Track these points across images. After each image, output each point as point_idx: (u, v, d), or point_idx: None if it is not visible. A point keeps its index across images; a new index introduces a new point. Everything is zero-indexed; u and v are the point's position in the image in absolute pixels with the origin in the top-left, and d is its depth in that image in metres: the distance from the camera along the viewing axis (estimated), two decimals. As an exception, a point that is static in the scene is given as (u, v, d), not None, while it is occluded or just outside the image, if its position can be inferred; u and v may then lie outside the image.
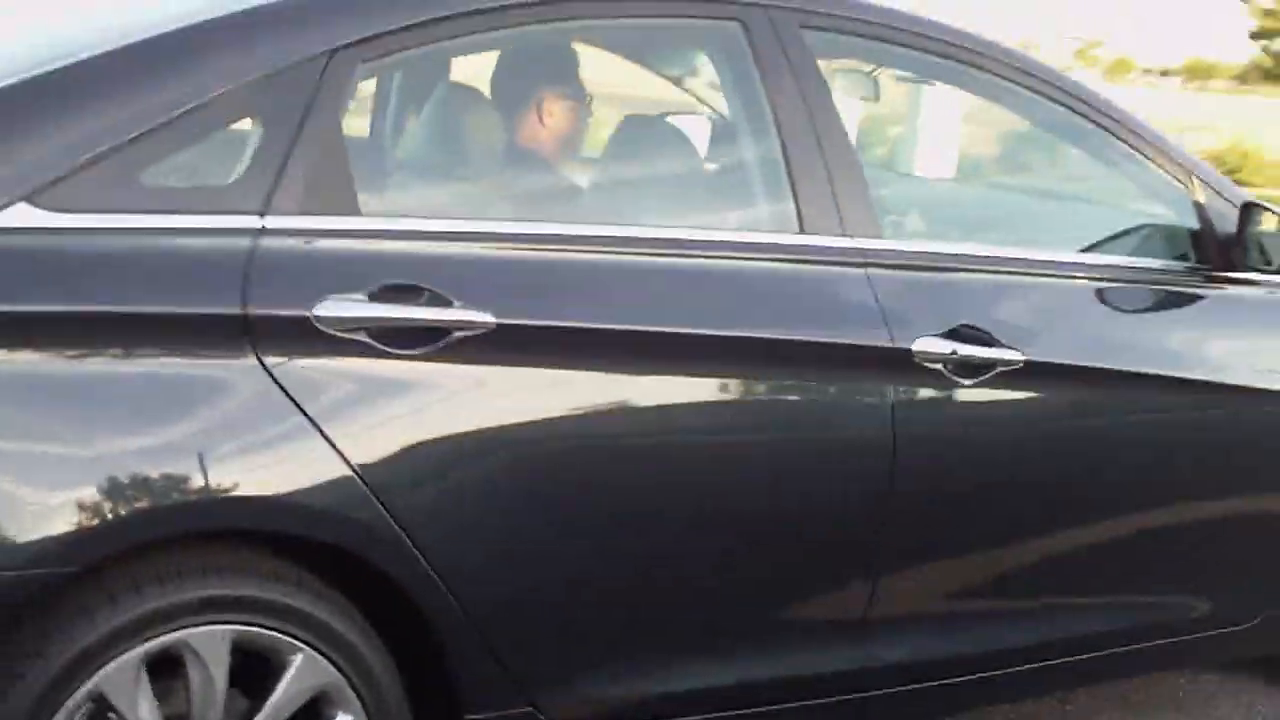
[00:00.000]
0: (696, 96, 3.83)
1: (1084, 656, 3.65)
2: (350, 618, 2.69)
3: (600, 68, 3.54)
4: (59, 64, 2.60)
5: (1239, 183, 13.10)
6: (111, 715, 2.51)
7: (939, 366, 3.22)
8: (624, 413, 2.92)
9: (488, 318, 2.72)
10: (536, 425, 2.80)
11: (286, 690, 2.65)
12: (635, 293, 2.94)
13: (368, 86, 2.90)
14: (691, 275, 3.02)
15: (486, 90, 3.42)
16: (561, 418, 2.84)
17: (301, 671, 2.65)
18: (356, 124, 2.82)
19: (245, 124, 2.67)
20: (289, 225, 2.63)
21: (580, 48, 3.47)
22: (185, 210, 2.58)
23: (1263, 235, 3.70)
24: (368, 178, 2.80)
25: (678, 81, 3.81)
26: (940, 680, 3.43)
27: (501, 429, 2.75)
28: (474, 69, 3.35)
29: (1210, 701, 4.24)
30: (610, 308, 2.89)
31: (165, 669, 2.56)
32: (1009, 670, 3.53)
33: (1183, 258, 3.77)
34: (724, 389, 3.04)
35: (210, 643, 2.56)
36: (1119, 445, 3.57)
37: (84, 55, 2.62)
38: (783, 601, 3.20)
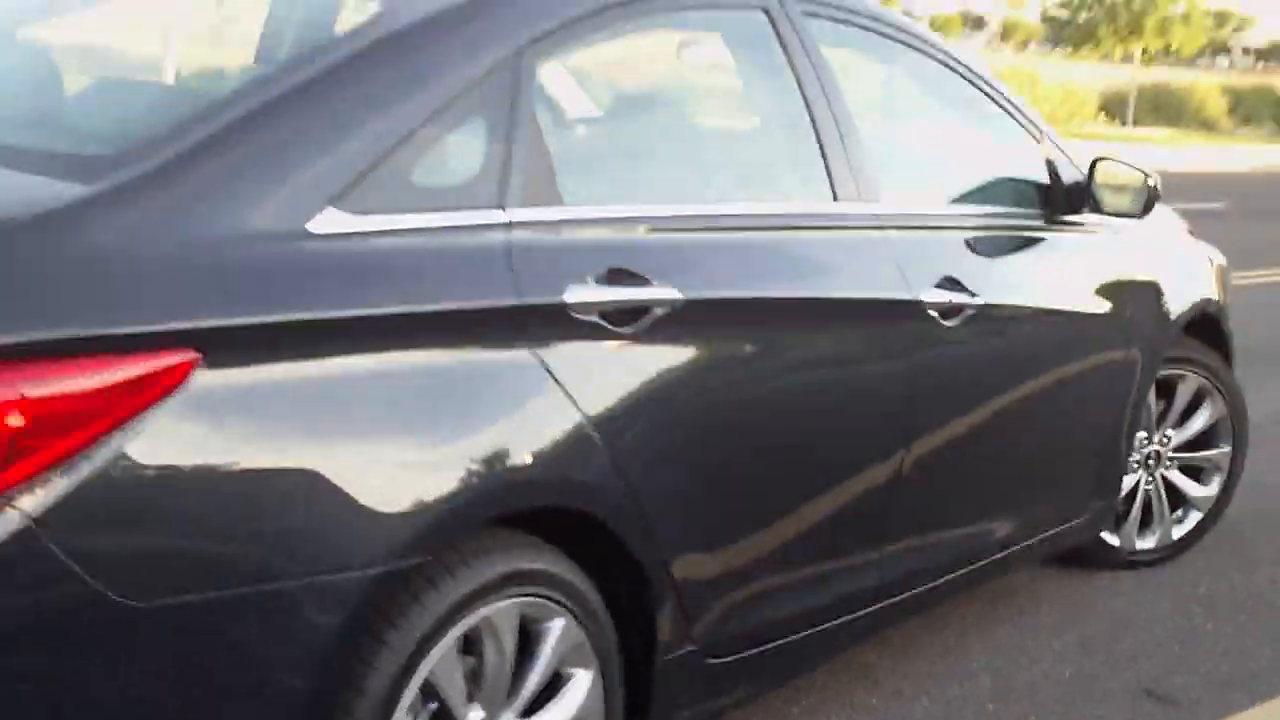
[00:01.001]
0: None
1: (996, 558, 4.24)
2: (588, 581, 2.89)
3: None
4: (313, 68, 2.65)
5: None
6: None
7: (935, 313, 3.68)
8: (774, 365, 3.28)
9: (677, 294, 2.96)
10: (714, 387, 3.08)
11: (552, 652, 2.82)
12: (762, 263, 3.26)
13: (552, 78, 3.04)
14: (795, 246, 3.37)
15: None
16: (733, 379, 3.13)
17: (564, 634, 2.83)
18: (542, 117, 2.96)
19: (471, 124, 2.79)
20: (523, 218, 2.79)
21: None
22: (446, 208, 2.69)
23: (1097, 186, 4.35)
24: (562, 168, 2.96)
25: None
26: (916, 589, 3.92)
27: (691, 393, 3.02)
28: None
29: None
30: (757, 279, 3.21)
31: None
32: (959, 573, 4.07)
33: (1027, 203, 4.34)
34: (843, 340, 3.45)
35: (506, 616, 2.71)
36: (1021, 366, 4.15)
37: (334, 57, 2.68)
38: (866, 524, 3.61)
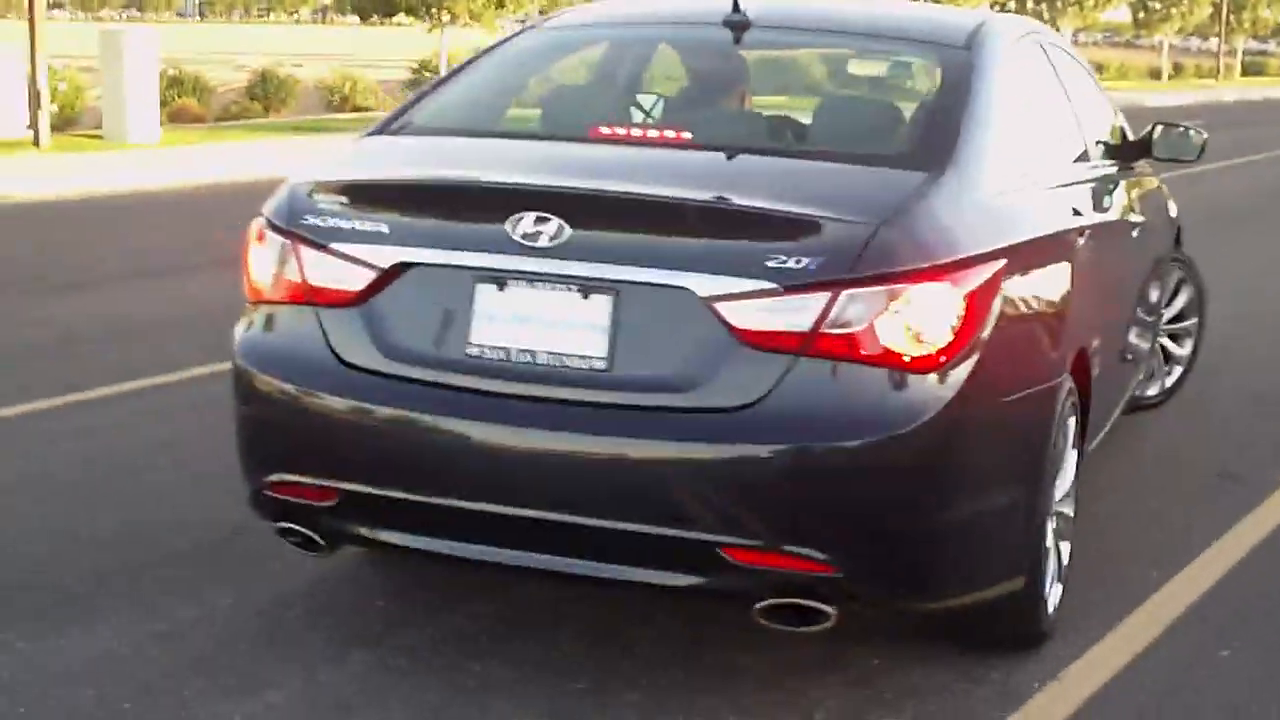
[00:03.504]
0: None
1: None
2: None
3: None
4: None
5: (354, 106, 25.78)
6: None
7: (1130, 228, 5.79)
8: (1110, 256, 5.37)
9: (1085, 222, 4.94)
10: (1098, 268, 5.10)
11: (1071, 427, 4.71)
12: (1086, 201, 5.26)
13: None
14: (1091, 190, 5.41)
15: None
16: (1103, 264, 5.17)
17: (1074, 416, 4.73)
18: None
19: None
20: (1015, 185, 4.66)
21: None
22: (1004, 173, 4.57)
23: (1155, 142, 6.46)
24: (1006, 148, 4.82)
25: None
26: None
27: (1093, 272, 5.00)
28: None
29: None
30: (1093, 211, 5.22)
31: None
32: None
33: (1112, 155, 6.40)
34: (1121, 244, 5.56)
35: (1066, 407, 4.58)
36: (1134, 261, 6.26)
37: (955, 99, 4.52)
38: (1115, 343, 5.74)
